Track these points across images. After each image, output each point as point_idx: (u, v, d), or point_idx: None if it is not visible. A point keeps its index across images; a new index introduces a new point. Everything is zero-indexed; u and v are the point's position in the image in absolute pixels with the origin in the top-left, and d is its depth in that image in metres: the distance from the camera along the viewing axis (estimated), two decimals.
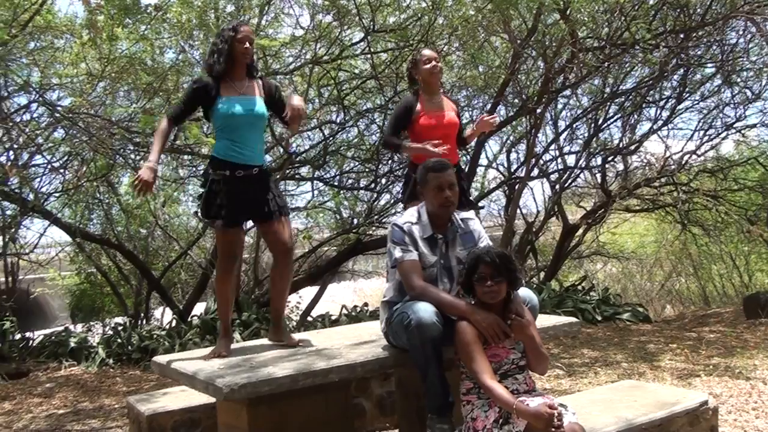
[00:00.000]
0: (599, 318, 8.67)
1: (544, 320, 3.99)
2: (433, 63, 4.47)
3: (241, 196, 3.78)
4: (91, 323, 10.66)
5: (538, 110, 8.97)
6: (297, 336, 4.07)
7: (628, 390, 3.73)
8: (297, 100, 3.91)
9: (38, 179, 8.74)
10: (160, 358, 3.82)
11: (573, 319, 4.00)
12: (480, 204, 11.18)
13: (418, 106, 4.49)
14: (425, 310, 3.13)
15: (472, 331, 3.10)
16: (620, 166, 11.81)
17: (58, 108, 7.15)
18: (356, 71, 9.50)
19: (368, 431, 4.62)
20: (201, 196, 3.90)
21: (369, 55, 8.94)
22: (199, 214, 3.90)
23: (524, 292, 3.36)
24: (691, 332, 7.81)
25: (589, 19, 7.67)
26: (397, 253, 3.35)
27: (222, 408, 3.59)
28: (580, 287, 10.01)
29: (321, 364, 3.27)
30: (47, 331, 9.28)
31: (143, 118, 6.65)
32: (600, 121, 10.95)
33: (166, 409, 4.08)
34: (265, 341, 4.14)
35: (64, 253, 11.16)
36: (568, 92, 10.24)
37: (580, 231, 12.12)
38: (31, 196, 8.47)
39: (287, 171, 9.58)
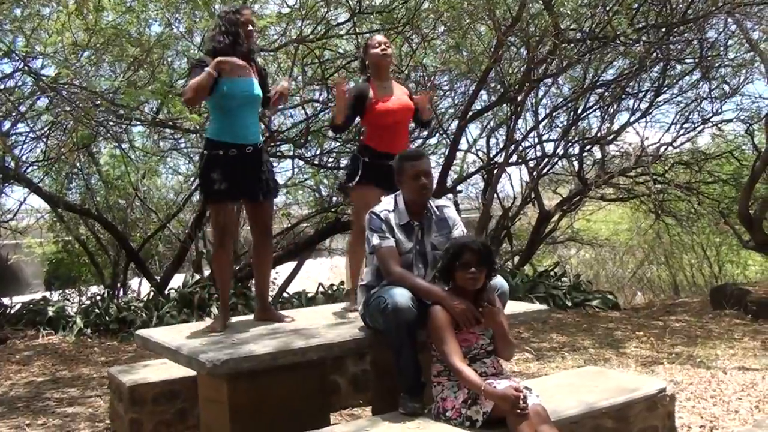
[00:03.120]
0: (569, 304, 8.90)
1: (515, 307, 4.15)
2: (383, 47, 4.47)
3: (235, 174, 3.92)
4: (68, 292, 10.72)
5: (519, 98, 9.09)
6: (283, 312, 4.26)
7: (591, 376, 3.91)
8: (286, 82, 4.19)
9: (20, 147, 8.72)
10: (144, 332, 3.94)
11: (542, 307, 4.18)
12: (458, 188, 11.31)
13: (371, 93, 4.49)
14: (401, 295, 3.28)
15: (444, 316, 3.26)
16: (598, 155, 12.00)
17: (43, 77, 7.14)
18: (341, 51, 9.54)
19: (342, 407, 4.79)
20: (200, 176, 4.06)
21: (354, 36, 8.99)
22: (199, 194, 4.07)
23: (495, 279, 3.52)
24: (657, 320, 8.05)
25: (571, 11, 7.78)
26: (375, 240, 3.49)
27: (203, 382, 3.72)
28: (552, 273, 10.22)
29: (300, 343, 3.40)
30: (24, 298, 9.33)
31: (127, 91, 6.68)
32: (579, 110, 11.10)
33: (147, 381, 4.19)
34: (245, 318, 4.29)
35: (42, 221, 11.18)
36: (549, 80, 10.38)
37: (556, 217, 12.32)
38: (12, 164, 8.48)
39: (268, 148, 9.64)
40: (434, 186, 3.68)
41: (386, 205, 3.61)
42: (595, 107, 11.14)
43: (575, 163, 11.81)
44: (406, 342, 3.32)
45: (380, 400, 4.02)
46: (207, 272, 9.31)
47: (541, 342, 6.96)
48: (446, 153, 10.07)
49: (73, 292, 10.72)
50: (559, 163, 12.27)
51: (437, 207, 3.69)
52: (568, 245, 15.50)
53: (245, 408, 3.41)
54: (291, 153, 10.16)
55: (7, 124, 8.24)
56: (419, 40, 8.96)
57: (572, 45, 8.09)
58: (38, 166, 9.13)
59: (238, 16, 3.99)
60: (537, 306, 4.17)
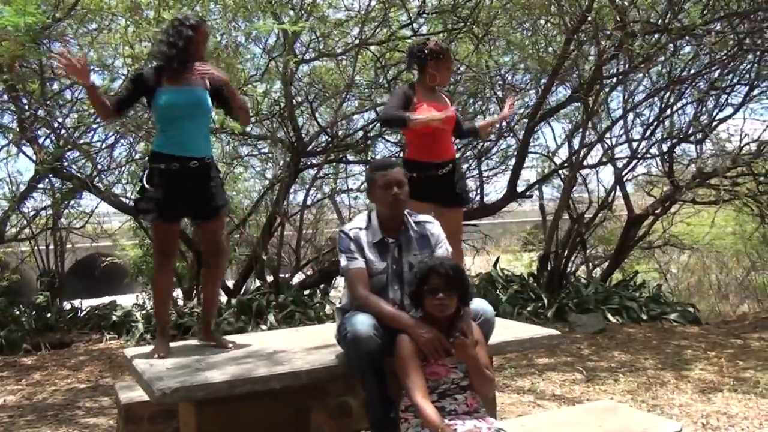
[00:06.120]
0: (645, 317, 8.28)
1: (522, 331, 3.81)
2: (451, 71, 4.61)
3: (176, 190, 3.69)
4: (147, 295, 11.01)
5: (589, 97, 8.53)
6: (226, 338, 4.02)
7: (599, 413, 3.50)
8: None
9: (96, 156, 8.97)
10: (129, 351, 3.86)
11: (553, 332, 3.78)
12: (530, 193, 10.78)
13: (416, 98, 4.42)
14: (362, 323, 3.03)
15: (410, 346, 2.99)
16: (692, 154, 11.15)
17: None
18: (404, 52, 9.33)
19: (354, 430, 4.57)
20: (138, 191, 3.84)
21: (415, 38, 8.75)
22: (135, 207, 3.89)
23: (478, 304, 3.23)
24: (737, 338, 7.34)
25: (631, 4, 7.21)
26: (343, 261, 3.26)
27: (181, 405, 3.60)
28: (632, 283, 9.57)
29: (262, 371, 3.21)
30: (94, 301, 9.57)
31: None
32: (665, 107, 10.30)
33: (144, 399, 4.10)
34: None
35: (127, 225, 11.59)
36: (636, 76, 9.73)
37: (647, 221, 11.52)
38: (88, 172, 8.77)
39: (332, 155, 9.60)
40: (408, 198, 3.35)
41: (358, 222, 3.37)
42: (685, 103, 10.30)
43: (667, 163, 10.99)
44: (368, 373, 3.08)
45: None
46: (270, 279, 9.32)
47: (599, 360, 6.46)
48: (515, 156, 9.64)
49: (150, 297, 10.98)
50: (650, 163, 11.50)
51: (416, 223, 3.39)
52: (666, 250, 14.54)
53: None
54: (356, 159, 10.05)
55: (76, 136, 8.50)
56: (484, 37, 8.64)
57: (639, 39, 7.45)
58: (107, 175, 9.36)
59: (193, 34, 3.67)
60: (546, 330, 3.77)
